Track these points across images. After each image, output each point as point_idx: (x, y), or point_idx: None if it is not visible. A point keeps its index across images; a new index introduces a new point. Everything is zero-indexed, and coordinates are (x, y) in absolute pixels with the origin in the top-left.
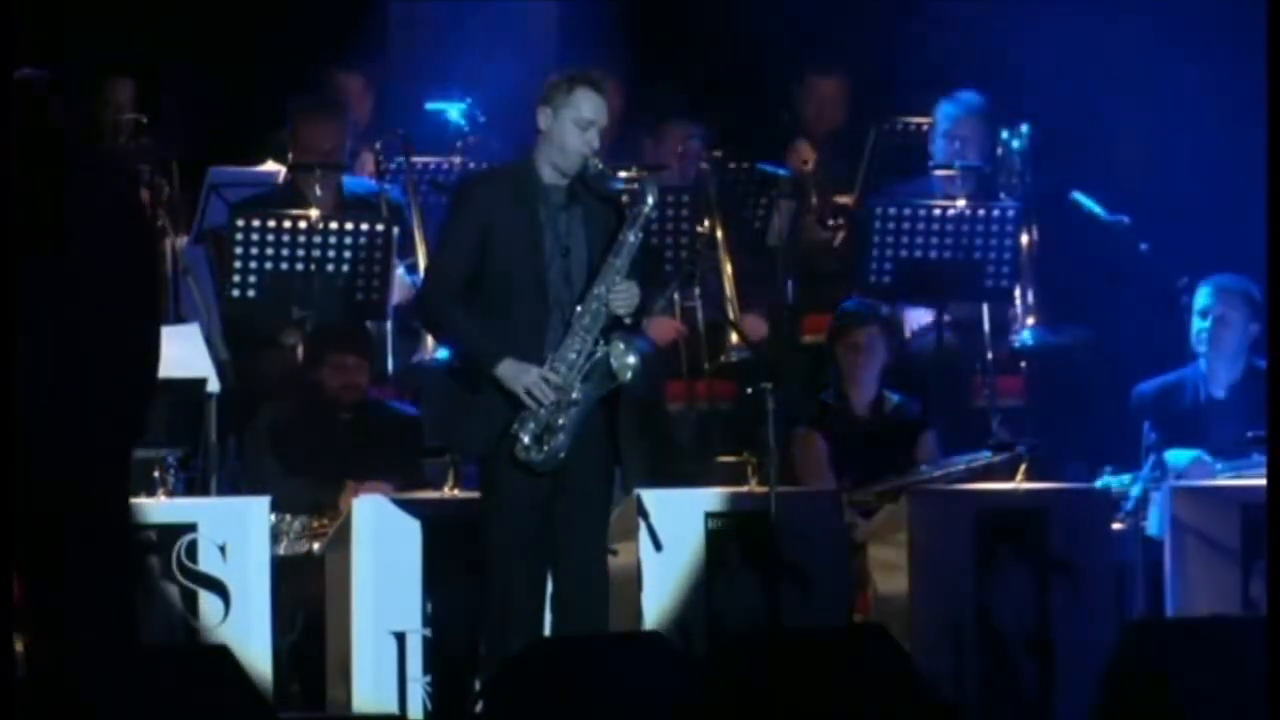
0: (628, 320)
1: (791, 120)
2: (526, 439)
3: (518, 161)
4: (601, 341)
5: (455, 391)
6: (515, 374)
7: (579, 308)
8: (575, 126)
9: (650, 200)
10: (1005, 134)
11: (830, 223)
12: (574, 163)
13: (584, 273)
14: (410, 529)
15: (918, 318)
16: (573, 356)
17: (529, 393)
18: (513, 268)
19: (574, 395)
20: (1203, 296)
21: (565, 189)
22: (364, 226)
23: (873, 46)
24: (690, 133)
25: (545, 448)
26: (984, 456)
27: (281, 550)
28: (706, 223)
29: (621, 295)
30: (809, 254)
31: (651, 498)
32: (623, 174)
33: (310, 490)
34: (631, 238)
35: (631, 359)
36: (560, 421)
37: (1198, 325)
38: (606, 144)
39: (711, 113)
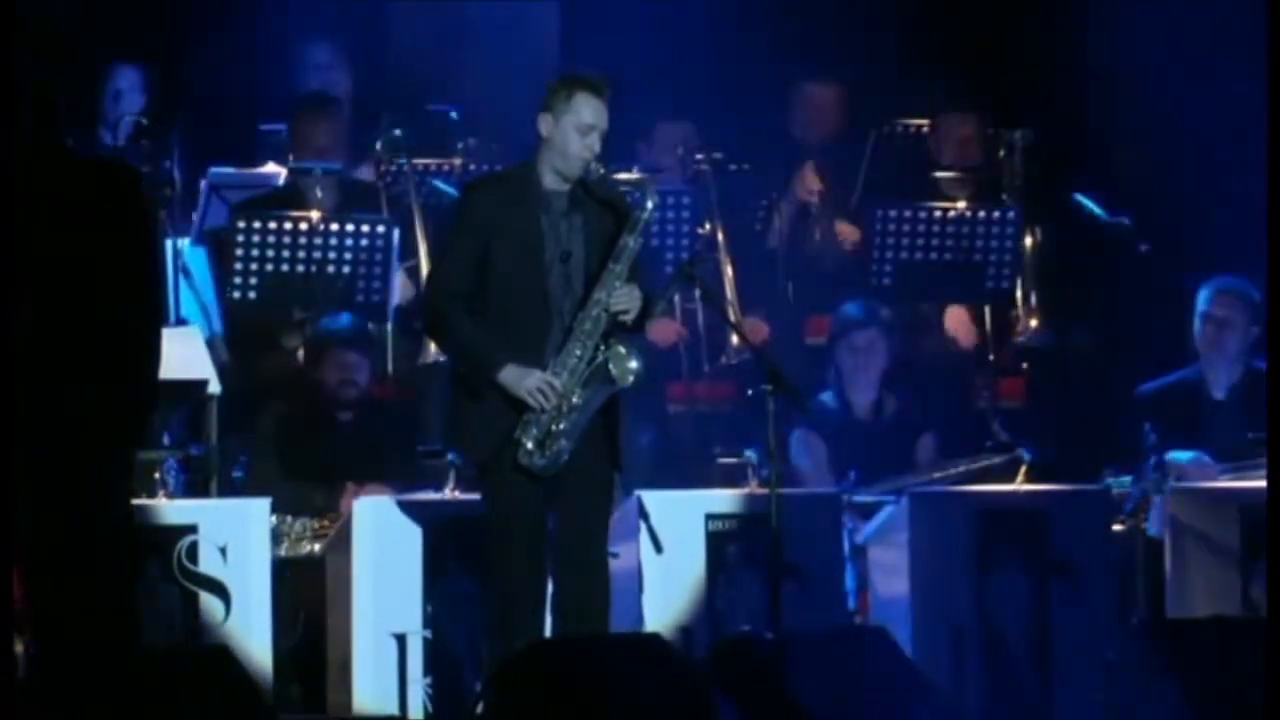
0: (628, 322)
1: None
2: (529, 444)
3: (519, 167)
4: (603, 346)
5: (458, 396)
6: (518, 378)
7: (580, 313)
8: (576, 132)
9: (650, 205)
10: (1004, 134)
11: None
12: (576, 168)
13: (585, 278)
14: (410, 531)
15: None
16: (574, 362)
17: (532, 395)
18: (514, 274)
19: (575, 400)
20: (1203, 299)
21: (567, 194)
22: (364, 228)
23: (871, 48)
24: (685, 133)
25: (547, 452)
26: (984, 458)
27: (282, 552)
28: (707, 225)
29: (623, 299)
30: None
31: (652, 499)
32: (622, 176)
33: (311, 492)
34: (632, 242)
35: (634, 363)
36: (562, 426)
37: (1199, 327)
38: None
39: (709, 114)
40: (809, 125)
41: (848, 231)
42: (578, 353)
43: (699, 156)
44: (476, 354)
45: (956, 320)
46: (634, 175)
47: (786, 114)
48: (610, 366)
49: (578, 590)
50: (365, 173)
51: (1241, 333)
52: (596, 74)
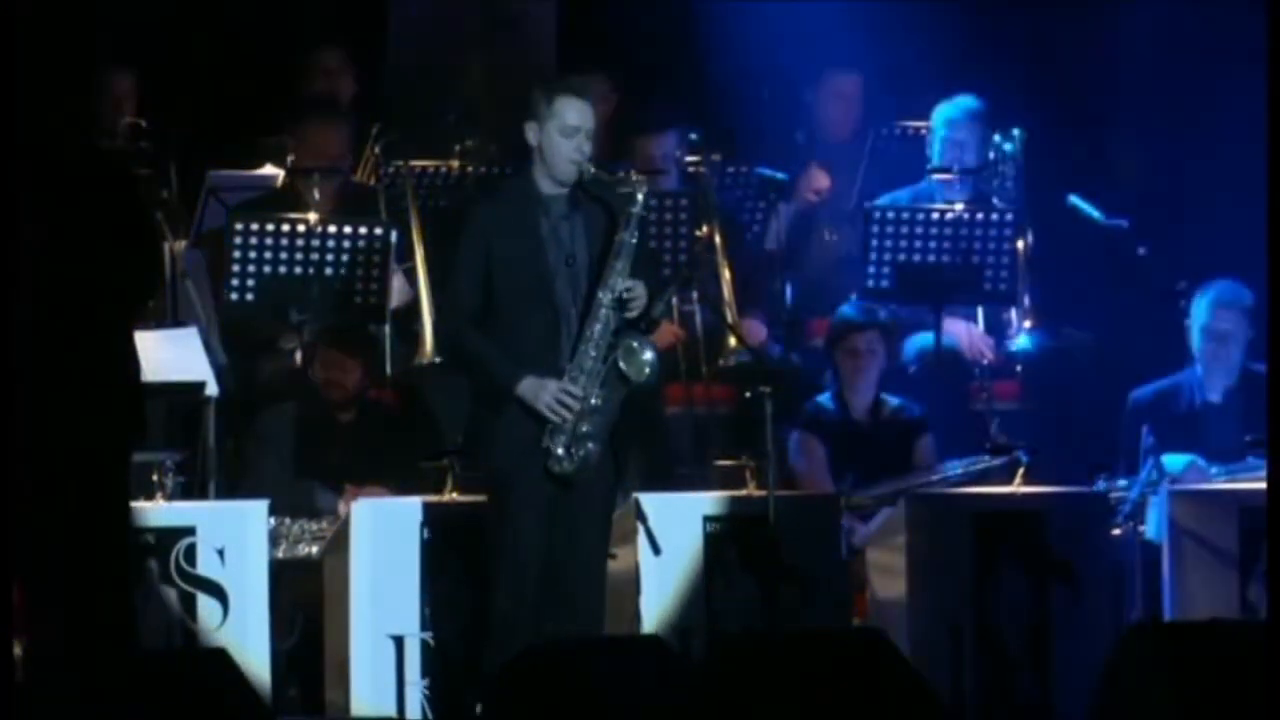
0: (634, 316)
1: (807, 138)
2: (559, 450)
3: (518, 176)
4: (615, 344)
5: (478, 406)
6: (535, 392)
7: (589, 315)
8: (561, 135)
9: (640, 197)
10: (998, 137)
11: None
12: (568, 171)
13: (590, 280)
14: (409, 532)
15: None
16: (589, 364)
17: (551, 408)
18: (520, 281)
19: (595, 401)
20: (1204, 312)
21: (566, 198)
22: (362, 230)
23: (870, 50)
24: (673, 144)
25: (575, 457)
26: (982, 460)
27: (280, 554)
28: (705, 227)
29: (628, 295)
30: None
31: (650, 502)
32: (616, 177)
33: (309, 494)
34: (629, 238)
35: (647, 355)
36: (585, 429)
37: (1200, 341)
38: (600, 149)
39: (710, 117)
40: (838, 120)
41: (819, 177)
42: (592, 354)
43: (695, 158)
44: (493, 370)
45: (960, 330)
46: (629, 175)
47: (809, 109)
48: (622, 363)
49: (572, 594)
50: (363, 175)
51: (1240, 340)
52: (580, 76)
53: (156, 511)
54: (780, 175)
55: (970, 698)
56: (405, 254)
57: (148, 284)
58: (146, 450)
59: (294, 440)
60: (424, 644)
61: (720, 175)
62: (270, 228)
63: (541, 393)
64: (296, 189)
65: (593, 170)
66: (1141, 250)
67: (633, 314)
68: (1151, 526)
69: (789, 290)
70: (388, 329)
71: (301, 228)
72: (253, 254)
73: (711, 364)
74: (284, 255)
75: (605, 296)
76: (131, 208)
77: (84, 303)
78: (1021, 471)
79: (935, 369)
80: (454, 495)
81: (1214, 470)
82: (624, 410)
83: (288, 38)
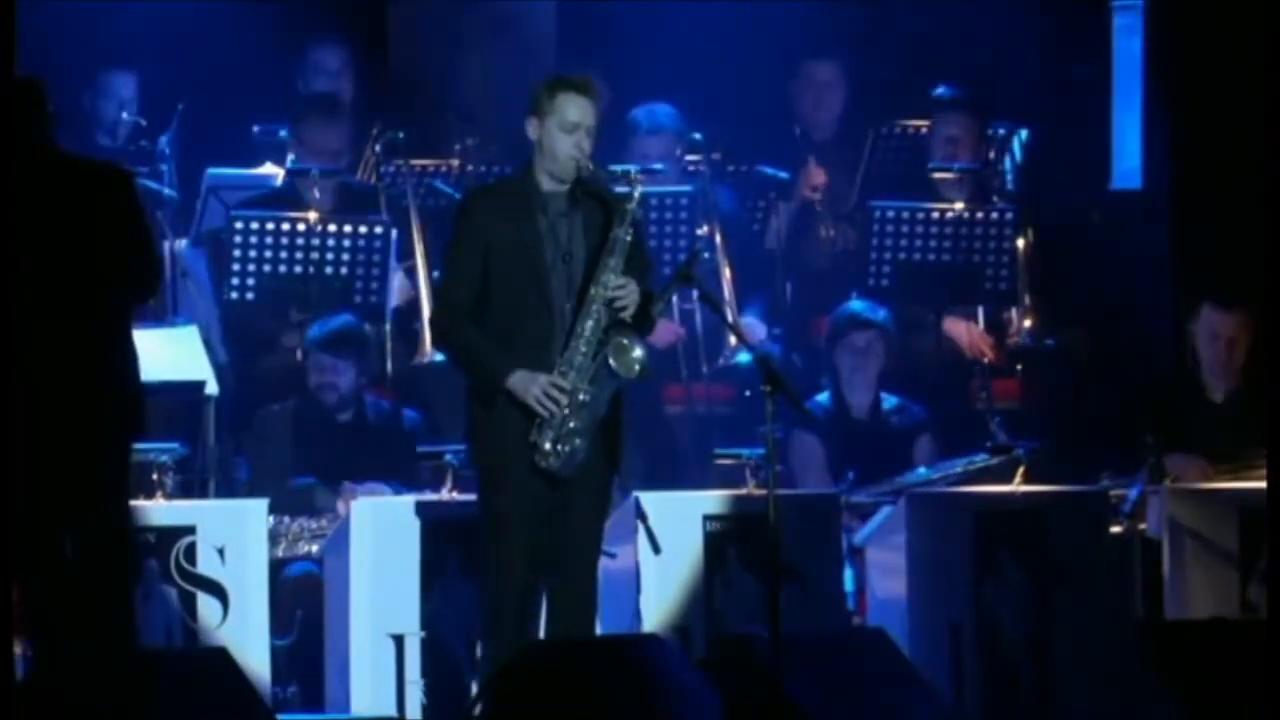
0: (626, 313)
1: (803, 136)
2: (546, 445)
3: (518, 173)
4: (606, 341)
5: (472, 402)
6: (525, 385)
7: (581, 311)
8: (562, 132)
9: (636, 194)
10: (1000, 135)
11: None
12: (567, 168)
13: (586, 277)
14: (408, 531)
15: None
16: (580, 359)
17: (539, 400)
18: (515, 278)
19: (583, 397)
20: (1216, 319)
21: (565, 195)
22: (362, 229)
23: (871, 50)
24: (672, 143)
25: (563, 453)
26: (981, 459)
27: (280, 552)
28: (705, 225)
29: (618, 291)
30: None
31: (650, 500)
32: (617, 174)
33: (309, 492)
34: (622, 234)
35: (637, 352)
36: (573, 425)
37: (1209, 348)
38: (598, 148)
39: (711, 116)
40: (815, 109)
41: (816, 174)
42: (583, 350)
43: (695, 158)
44: (483, 363)
45: (960, 329)
46: (632, 174)
47: (791, 102)
48: (612, 360)
49: (564, 592)
50: (363, 174)
51: (1242, 344)
52: (582, 74)
53: (157, 510)
54: (781, 174)
55: (971, 697)
56: (405, 253)
57: (147, 284)
58: (146, 448)
59: (293, 439)
60: (424, 643)
61: (720, 175)
62: (270, 226)
63: (531, 385)
64: (296, 188)
65: (591, 168)
66: (1140, 250)
67: (623, 312)
68: (1152, 525)
69: (789, 288)
70: (388, 328)
71: (301, 227)
72: (253, 253)
73: (711, 363)
74: (284, 254)
75: (597, 292)
76: (131, 208)
77: (84, 303)
78: (1021, 471)
79: (934, 367)
80: (453, 493)
81: (1217, 470)
82: (624, 408)
83: (288, 38)
